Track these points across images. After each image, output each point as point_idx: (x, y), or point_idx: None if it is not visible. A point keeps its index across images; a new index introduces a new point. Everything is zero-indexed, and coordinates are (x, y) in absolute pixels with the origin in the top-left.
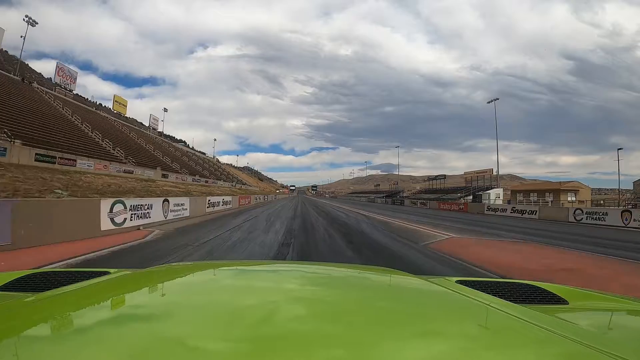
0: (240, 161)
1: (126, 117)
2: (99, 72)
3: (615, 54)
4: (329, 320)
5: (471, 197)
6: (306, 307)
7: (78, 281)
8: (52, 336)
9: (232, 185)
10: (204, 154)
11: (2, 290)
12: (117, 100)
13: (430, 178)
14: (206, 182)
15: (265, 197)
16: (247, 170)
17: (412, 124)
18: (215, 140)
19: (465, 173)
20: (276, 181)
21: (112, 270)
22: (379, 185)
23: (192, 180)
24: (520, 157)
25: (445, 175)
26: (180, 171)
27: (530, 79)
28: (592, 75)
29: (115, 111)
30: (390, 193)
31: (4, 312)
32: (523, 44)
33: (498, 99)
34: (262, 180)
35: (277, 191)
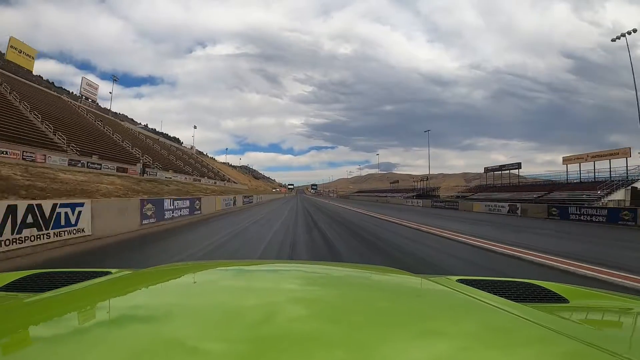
0: (240, 160)
1: (33, 73)
2: (97, 72)
3: (616, 53)
4: (330, 321)
5: (618, 195)
6: (306, 308)
7: (79, 281)
8: (53, 337)
9: (190, 177)
10: (180, 142)
11: (3, 291)
12: (14, 46)
13: (491, 169)
14: (124, 170)
15: (204, 201)
16: (245, 169)
17: (412, 122)
18: (195, 127)
19: (568, 159)
20: (274, 180)
21: (113, 270)
22: (397, 182)
23: (90, 166)
24: (519, 156)
25: (520, 163)
26: (74, 151)
27: (530, 77)
28: (592, 74)
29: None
30: (424, 192)
31: (4, 313)
32: (523, 43)
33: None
34: (257, 179)
35: (274, 190)
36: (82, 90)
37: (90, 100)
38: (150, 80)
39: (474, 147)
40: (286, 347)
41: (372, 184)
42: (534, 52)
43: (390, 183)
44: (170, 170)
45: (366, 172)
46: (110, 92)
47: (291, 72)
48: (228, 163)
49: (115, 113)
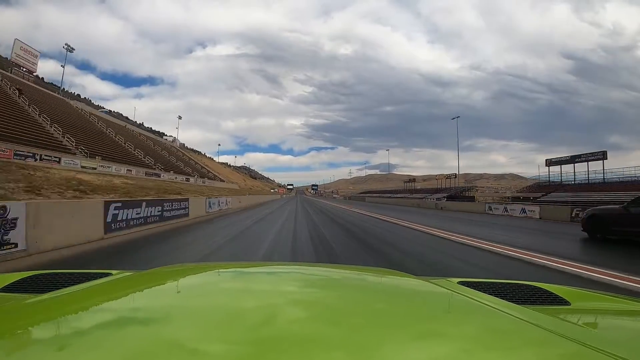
0: (235, 159)
1: None
2: (97, 72)
3: (616, 54)
4: (329, 323)
5: None
6: (306, 310)
7: (80, 282)
8: (53, 338)
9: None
10: (161, 135)
11: (4, 292)
12: None
13: (556, 162)
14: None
15: None
16: (245, 169)
17: (412, 123)
18: (180, 118)
19: None
20: (273, 180)
21: (114, 272)
22: (413, 181)
23: None
24: (519, 157)
25: (604, 152)
26: None
27: (530, 78)
28: (591, 75)
29: None
30: (457, 192)
31: (5, 314)
32: (523, 44)
33: None
34: (255, 179)
35: (272, 190)
36: (13, 55)
37: (24, 69)
38: (150, 81)
39: (473, 148)
40: (286, 349)
41: (372, 185)
42: (535, 53)
43: (405, 182)
44: (98, 157)
45: (365, 172)
46: (62, 66)
47: (291, 73)
48: (227, 164)
49: (68, 92)
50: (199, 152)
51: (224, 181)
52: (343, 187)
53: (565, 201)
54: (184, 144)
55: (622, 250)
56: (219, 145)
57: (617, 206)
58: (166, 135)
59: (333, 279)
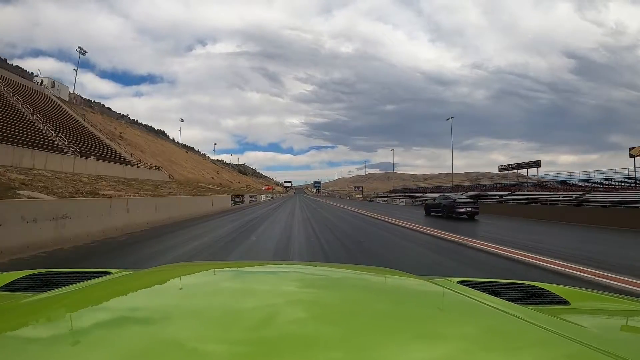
0: (214, 149)
1: None
2: (96, 70)
3: (618, 53)
4: (329, 323)
5: None
6: (306, 310)
7: (79, 281)
8: (51, 337)
9: None
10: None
11: (3, 291)
12: None
13: (514, 166)
14: None
15: None
16: (241, 166)
17: (412, 122)
18: (83, 52)
19: None
20: (272, 179)
21: (113, 271)
22: (520, 166)
23: None
24: (519, 156)
25: (539, 160)
26: None
27: (532, 77)
28: (593, 74)
29: None
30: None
31: (4, 313)
32: (525, 42)
33: None
34: (245, 175)
35: (263, 189)
36: None
37: None
38: (149, 79)
39: (474, 147)
40: (285, 349)
41: (373, 184)
42: (536, 52)
43: (503, 170)
44: None
45: (366, 171)
46: None
47: (292, 71)
48: (224, 161)
49: None
50: (192, 148)
51: (128, 163)
52: (342, 186)
53: None
54: (79, 97)
55: (433, 220)
56: (182, 120)
57: (434, 198)
58: (37, 76)
59: (333, 278)
